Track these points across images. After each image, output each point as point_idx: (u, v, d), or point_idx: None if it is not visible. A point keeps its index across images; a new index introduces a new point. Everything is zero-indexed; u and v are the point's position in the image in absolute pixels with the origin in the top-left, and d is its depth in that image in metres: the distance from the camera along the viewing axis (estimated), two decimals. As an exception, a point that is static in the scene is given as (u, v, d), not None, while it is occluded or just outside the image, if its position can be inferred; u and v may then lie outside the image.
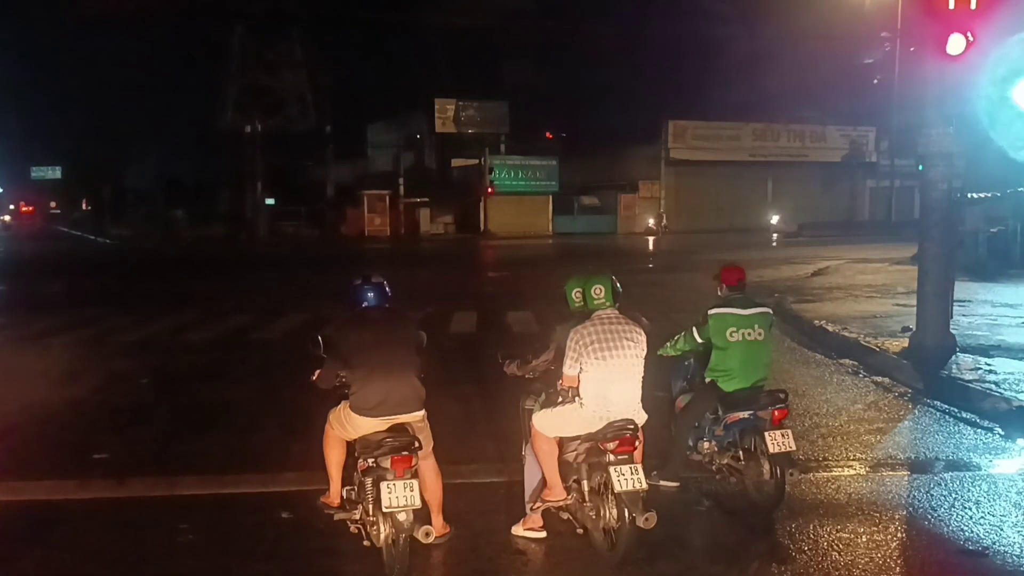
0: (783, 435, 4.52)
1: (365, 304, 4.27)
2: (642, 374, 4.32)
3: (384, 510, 3.71)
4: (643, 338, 4.35)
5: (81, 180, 67.08)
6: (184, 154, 64.92)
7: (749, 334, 4.91)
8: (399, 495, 3.70)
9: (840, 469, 5.65)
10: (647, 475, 4.07)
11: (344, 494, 4.26)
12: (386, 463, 3.81)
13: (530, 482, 4.44)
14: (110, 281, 19.78)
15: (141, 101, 76.92)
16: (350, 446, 4.17)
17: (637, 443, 4.08)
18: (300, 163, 49.40)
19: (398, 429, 3.99)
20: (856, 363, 8.55)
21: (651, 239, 37.52)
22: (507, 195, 43.64)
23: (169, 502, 4.99)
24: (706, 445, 4.93)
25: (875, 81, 39.47)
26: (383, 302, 4.31)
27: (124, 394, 7.89)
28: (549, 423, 4.29)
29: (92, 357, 9.40)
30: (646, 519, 3.79)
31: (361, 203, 43.70)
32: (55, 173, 68.62)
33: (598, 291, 4.39)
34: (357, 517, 4.07)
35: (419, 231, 43.53)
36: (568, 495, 4.22)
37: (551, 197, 45.16)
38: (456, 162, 47.64)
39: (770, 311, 5.15)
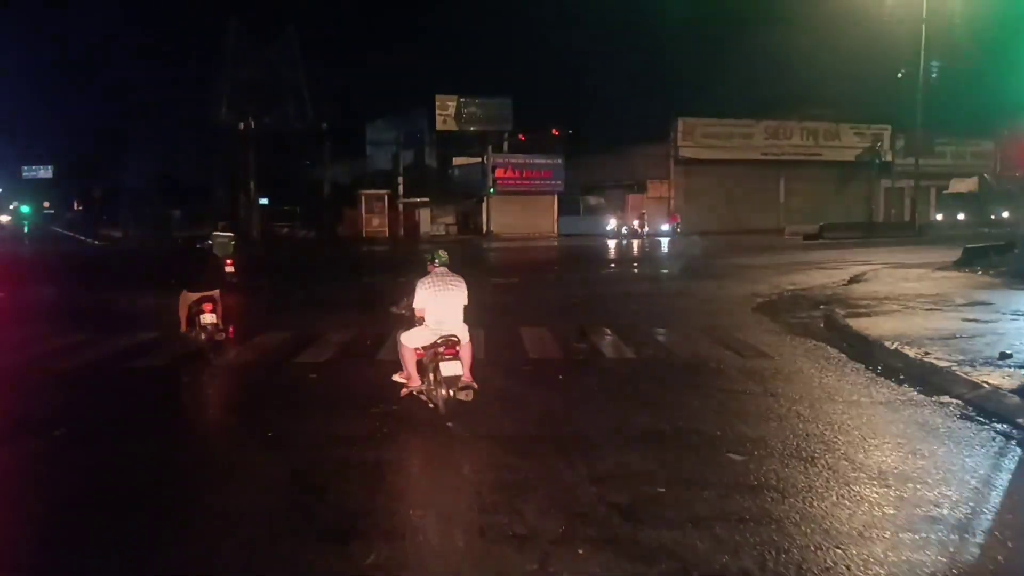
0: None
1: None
2: (463, 306, 6.59)
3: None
4: (463, 284, 6.63)
5: (73, 180, 65.42)
6: (179, 153, 63.40)
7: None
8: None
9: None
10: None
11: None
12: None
13: (400, 370, 6.71)
14: (76, 290, 18.06)
15: (135, 99, 75.24)
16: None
17: (458, 348, 6.27)
18: (296, 162, 47.72)
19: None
20: (959, 402, 6.87)
21: (636, 242, 35.62)
22: (510, 195, 41.99)
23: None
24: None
25: (899, 75, 37.67)
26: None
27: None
28: (408, 338, 6.53)
29: (11, 392, 7.74)
30: (465, 394, 6.22)
31: (359, 203, 42.01)
32: (47, 172, 66.92)
33: (439, 257, 6.69)
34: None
35: (419, 232, 41.88)
36: (422, 383, 6.47)
37: (556, 197, 43.51)
38: (458, 161, 45.98)
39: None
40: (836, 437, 5.69)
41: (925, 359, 8.36)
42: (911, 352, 8.76)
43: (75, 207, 66.43)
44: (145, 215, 48.44)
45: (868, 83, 50.59)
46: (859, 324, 11.08)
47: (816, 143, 48.71)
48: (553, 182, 43.29)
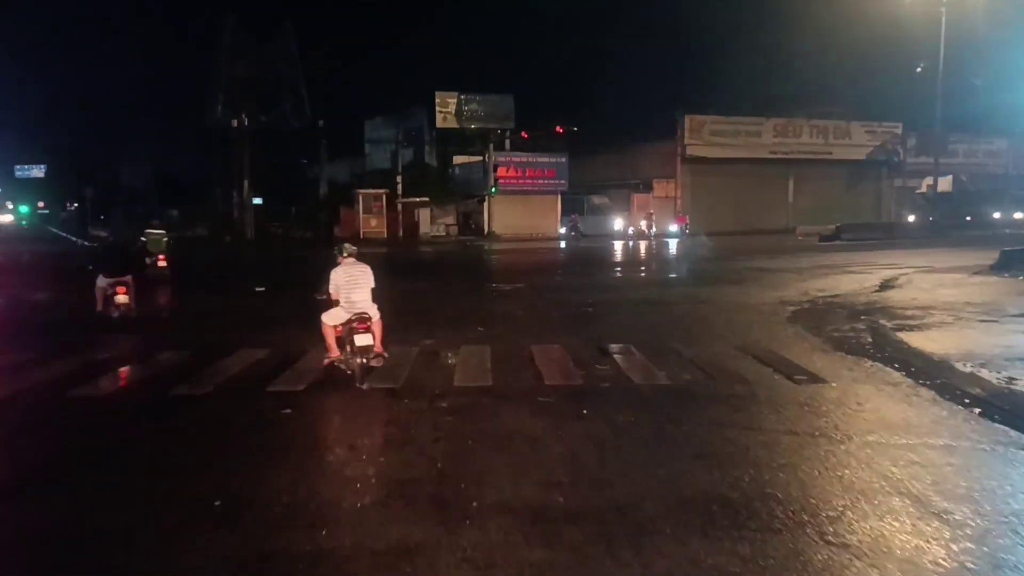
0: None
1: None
2: (371, 288, 7.89)
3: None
4: (368, 270, 7.93)
5: (66, 178, 64.21)
6: (174, 152, 62.32)
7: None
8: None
9: None
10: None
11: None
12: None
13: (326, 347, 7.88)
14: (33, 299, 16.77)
15: (129, 96, 74.03)
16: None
17: (369, 323, 7.59)
18: (292, 160, 46.40)
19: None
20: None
21: (643, 243, 34.24)
22: (513, 194, 40.70)
23: None
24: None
25: (918, 69, 36.35)
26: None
27: None
28: (328, 317, 7.81)
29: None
30: (376, 361, 7.65)
31: (356, 203, 40.70)
32: (39, 172, 65.71)
33: (346, 250, 7.94)
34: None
35: (418, 233, 40.58)
36: (341, 354, 7.76)
37: (559, 196, 42.21)
38: (458, 159, 44.64)
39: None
40: (956, 508, 4.39)
41: (1014, 386, 7.10)
42: (991, 376, 7.50)
43: (68, 206, 65.24)
44: (135, 214, 47.24)
45: (879, 80, 49.49)
46: (913, 340, 9.82)
47: (826, 141, 47.42)
48: (557, 181, 41.97)
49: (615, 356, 8.70)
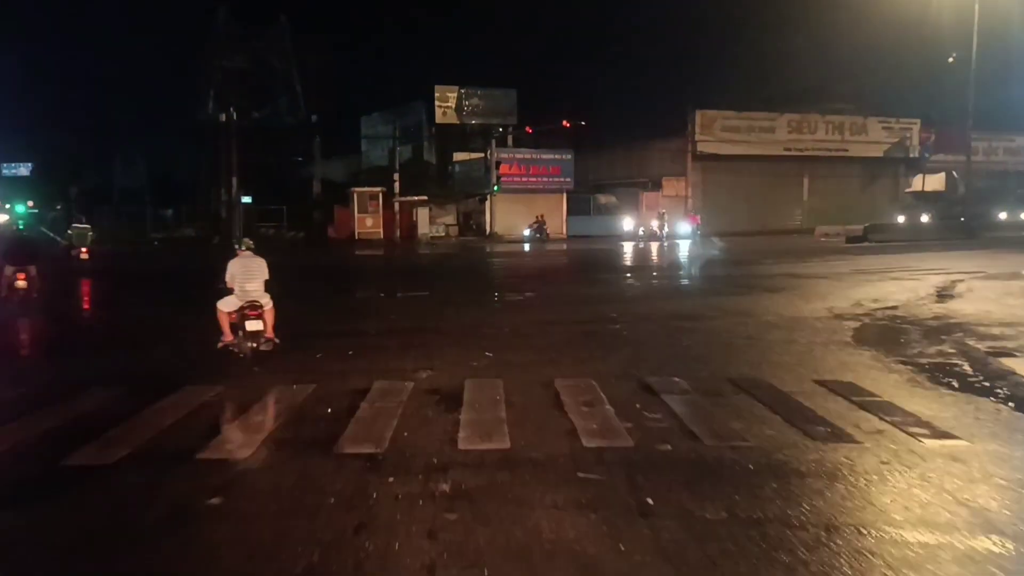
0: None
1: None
2: (264, 279, 8.50)
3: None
4: (263, 262, 8.54)
5: (53, 177, 62.18)
6: (168, 150, 60.39)
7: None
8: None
9: None
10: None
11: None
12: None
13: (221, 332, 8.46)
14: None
15: (118, 93, 71.89)
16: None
17: (260, 311, 8.27)
18: (285, 158, 44.37)
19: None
20: None
21: (656, 245, 32.17)
22: (516, 193, 38.71)
23: None
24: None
25: (950, 60, 34.33)
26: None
27: None
28: (223, 304, 8.33)
29: None
30: (266, 346, 8.30)
31: (351, 202, 38.71)
32: (25, 170, 63.63)
33: (244, 244, 8.71)
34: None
35: (417, 233, 38.60)
36: (234, 338, 8.31)
37: (565, 195, 40.23)
38: (458, 156, 42.60)
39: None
40: None
41: None
42: None
43: (56, 207, 63.11)
44: (121, 214, 45.42)
45: (897, 74, 47.54)
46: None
47: (842, 138, 45.44)
48: (562, 179, 39.96)
49: (665, 397, 6.74)
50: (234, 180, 35.84)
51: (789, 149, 44.10)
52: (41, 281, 13.49)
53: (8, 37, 73.15)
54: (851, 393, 6.97)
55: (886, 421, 6.05)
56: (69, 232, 22.40)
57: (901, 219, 34.14)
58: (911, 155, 47.01)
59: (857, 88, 46.76)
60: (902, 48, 44.42)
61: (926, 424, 5.99)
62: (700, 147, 42.07)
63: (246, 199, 37.88)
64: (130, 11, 74.96)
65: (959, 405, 6.64)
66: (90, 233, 22.36)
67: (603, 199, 41.73)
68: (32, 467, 5.17)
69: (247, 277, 8.33)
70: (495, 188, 37.87)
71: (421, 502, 4.35)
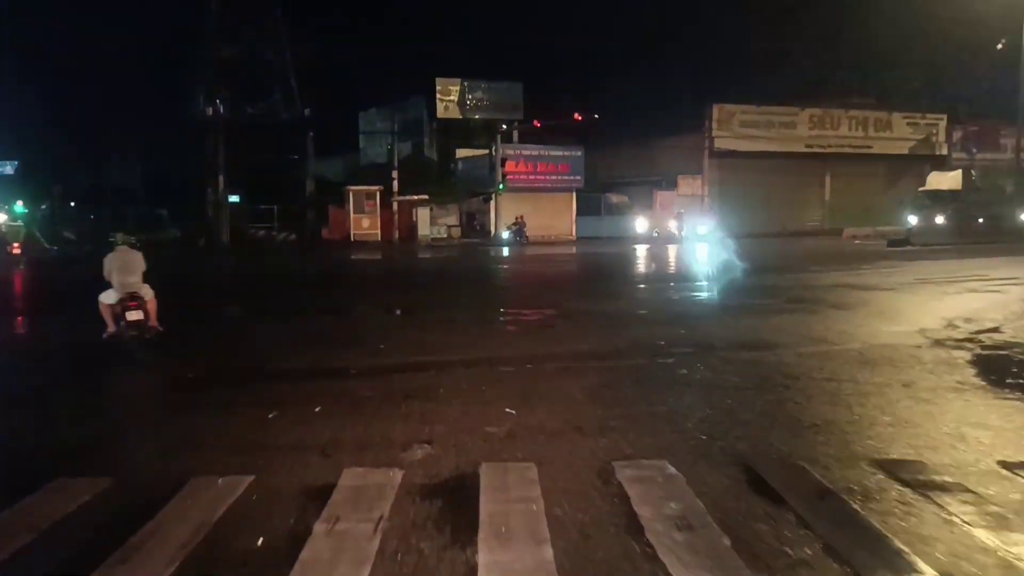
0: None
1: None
2: (142, 271, 8.95)
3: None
4: (140, 256, 9.00)
5: (41, 176, 59.85)
6: (163, 147, 58.03)
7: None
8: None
9: None
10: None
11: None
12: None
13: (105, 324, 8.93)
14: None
15: (104, 88, 69.52)
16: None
17: (139, 301, 8.69)
18: (277, 155, 42.00)
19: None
20: None
21: (673, 248, 29.58)
22: (522, 192, 36.34)
23: None
24: None
25: (999, 46, 31.91)
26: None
27: None
28: (105, 296, 8.77)
29: None
30: (150, 334, 8.76)
31: (346, 201, 36.35)
32: (11, 168, 61.35)
33: (121, 239, 8.98)
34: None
35: (416, 235, 36.24)
36: (116, 328, 8.73)
37: (574, 194, 37.85)
38: (461, 153, 40.24)
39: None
40: None
41: None
42: None
43: (41, 206, 60.81)
44: (103, 214, 43.08)
45: (922, 68, 45.21)
46: None
47: (866, 134, 43.10)
48: (571, 177, 37.60)
49: (792, 502, 4.33)
50: (220, 178, 33.50)
51: (811, 146, 41.76)
52: None
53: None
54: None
55: None
56: (3, 229, 27.99)
57: (913, 220, 30.54)
58: (937, 152, 44.69)
59: (881, 81, 44.46)
60: (932, 38, 42.16)
61: None
62: (717, 143, 39.73)
63: (234, 198, 35.55)
64: (119, 4, 72.47)
65: None
66: (24, 229, 24.58)
67: (615, 198, 39.42)
68: None
69: (125, 271, 8.81)
70: (500, 187, 35.51)
71: None
